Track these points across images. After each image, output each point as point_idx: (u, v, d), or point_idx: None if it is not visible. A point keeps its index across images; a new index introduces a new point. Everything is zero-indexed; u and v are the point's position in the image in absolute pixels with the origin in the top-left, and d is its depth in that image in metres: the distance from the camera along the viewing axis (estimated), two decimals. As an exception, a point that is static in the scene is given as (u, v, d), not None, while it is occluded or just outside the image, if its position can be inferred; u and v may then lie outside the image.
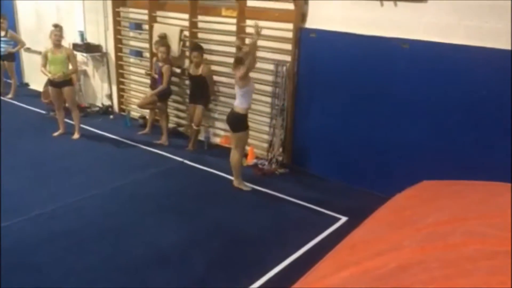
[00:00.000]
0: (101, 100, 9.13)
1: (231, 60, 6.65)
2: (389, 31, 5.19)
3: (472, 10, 4.67)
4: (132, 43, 8.36)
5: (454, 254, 1.63)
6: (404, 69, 5.19)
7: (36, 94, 9.53)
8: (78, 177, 5.91)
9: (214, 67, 6.97)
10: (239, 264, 4.23)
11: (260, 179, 6.05)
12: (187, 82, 7.35)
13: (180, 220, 4.99)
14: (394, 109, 5.35)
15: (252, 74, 5.76)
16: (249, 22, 6.46)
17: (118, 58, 8.52)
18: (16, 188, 5.47)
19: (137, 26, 7.99)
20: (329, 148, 6.03)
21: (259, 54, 6.28)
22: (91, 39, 8.77)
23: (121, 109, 8.83)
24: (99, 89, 9.16)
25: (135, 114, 8.48)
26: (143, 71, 8.05)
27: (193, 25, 7.09)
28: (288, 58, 6.09)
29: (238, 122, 5.49)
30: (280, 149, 6.41)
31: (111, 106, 8.95)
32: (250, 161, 6.53)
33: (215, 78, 6.98)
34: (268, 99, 6.41)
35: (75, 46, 8.63)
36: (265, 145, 6.58)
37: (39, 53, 7.29)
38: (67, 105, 7.45)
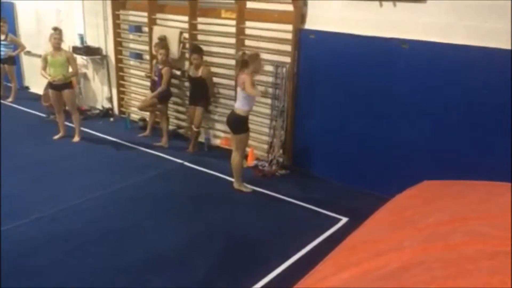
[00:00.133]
0: (101, 102, 9.14)
1: (230, 62, 6.70)
2: (389, 31, 5.19)
3: (472, 10, 4.67)
4: (132, 45, 8.37)
5: (455, 254, 1.62)
6: (403, 69, 5.19)
7: (36, 98, 9.54)
8: (79, 180, 5.91)
9: (213, 69, 6.97)
10: (239, 265, 4.22)
11: (261, 181, 6.05)
12: (187, 84, 7.36)
13: (180, 222, 4.98)
14: (394, 110, 5.35)
15: (251, 75, 5.78)
16: (248, 24, 6.47)
17: (118, 60, 8.53)
18: (16, 191, 5.47)
19: (137, 28, 8.00)
20: (330, 149, 6.03)
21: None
22: (91, 42, 8.78)
23: (121, 112, 8.83)
24: (99, 92, 9.17)
25: (135, 116, 8.49)
26: (143, 74, 8.06)
27: (193, 27, 7.09)
28: (287, 59, 6.09)
29: (239, 124, 5.48)
30: (281, 151, 6.41)
31: (111, 109, 8.96)
32: (251, 162, 6.53)
33: (215, 79, 6.99)
34: (268, 101, 6.41)
35: (75, 49, 8.65)
36: (266, 146, 6.58)
37: (39, 56, 7.30)
38: (67, 108, 7.45)
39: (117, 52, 8.47)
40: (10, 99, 9.69)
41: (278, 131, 6.37)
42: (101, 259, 4.26)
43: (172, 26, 7.40)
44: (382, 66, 5.33)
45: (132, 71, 8.52)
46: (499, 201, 2.21)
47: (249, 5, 6.41)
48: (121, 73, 8.63)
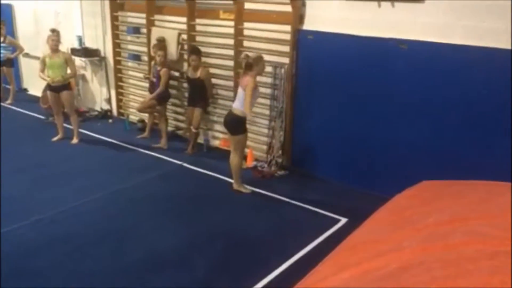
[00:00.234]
0: (100, 104, 9.14)
1: (229, 63, 6.71)
2: (387, 31, 5.20)
3: (469, 9, 4.68)
4: (131, 47, 8.37)
5: (454, 255, 1.62)
6: (402, 69, 5.20)
7: (35, 100, 9.54)
8: (78, 182, 5.91)
9: (212, 70, 6.97)
10: (239, 266, 4.22)
11: (260, 181, 6.05)
12: (185, 85, 7.36)
13: (180, 223, 4.98)
14: (393, 110, 5.35)
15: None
16: (246, 24, 6.48)
17: (117, 62, 8.52)
18: (16, 193, 5.46)
19: (135, 30, 8.00)
20: (329, 149, 6.03)
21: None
22: (89, 43, 8.78)
23: (120, 113, 8.83)
24: (98, 94, 9.17)
25: (134, 118, 8.49)
26: (141, 75, 8.05)
27: (191, 28, 7.10)
28: (286, 60, 6.09)
29: (237, 125, 5.48)
30: (280, 151, 6.41)
31: (110, 110, 8.95)
32: (250, 163, 6.53)
33: (214, 81, 6.99)
34: (267, 101, 6.41)
35: (74, 51, 8.65)
36: (264, 147, 6.58)
37: (38, 58, 7.31)
38: (65, 110, 7.45)
39: (116, 53, 8.47)
40: (8, 101, 9.68)
41: (277, 132, 6.37)
42: (101, 260, 4.25)
43: (170, 28, 7.40)
44: (381, 66, 5.34)
45: (130, 72, 8.52)
46: (498, 201, 2.21)
47: (248, 6, 6.41)
48: (119, 75, 8.63)
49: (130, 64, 8.47)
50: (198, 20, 7.06)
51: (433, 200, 2.48)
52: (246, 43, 6.57)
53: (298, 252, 4.40)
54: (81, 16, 8.74)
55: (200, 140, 7.29)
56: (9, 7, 10.41)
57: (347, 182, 5.87)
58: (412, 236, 1.89)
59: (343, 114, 5.79)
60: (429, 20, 4.94)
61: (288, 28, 5.96)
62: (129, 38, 8.30)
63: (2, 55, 9.40)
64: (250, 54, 5.59)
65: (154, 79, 7.14)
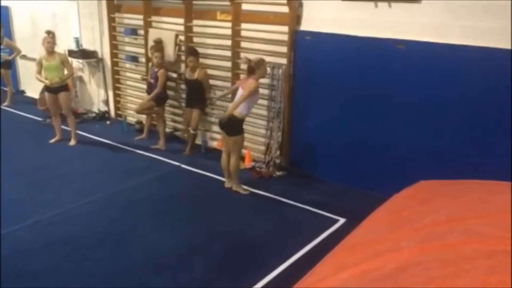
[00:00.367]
0: (97, 106, 9.13)
1: (227, 64, 6.71)
2: (384, 32, 5.21)
3: (466, 9, 4.69)
4: (128, 48, 8.36)
5: (452, 254, 1.63)
6: (400, 69, 5.20)
7: (32, 101, 9.53)
8: (76, 183, 5.90)
9: (210, 71, 6.97)
10: (238, 266, 4.22)
11: (258, 182, 6.05)
12: (183, 86, 7.36)
13: (178, 225, 4.98)
14: (391, 110, 5.36)
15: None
16: (244, 25, 6.48)
17: (114, 63, 8.52)
18: (13, 196, 5.45)
19: (133, 31, 8.00)
20: (326, 149, 6.03)
21: (255, 57, 6.28)
22: (86, 45, 8.77)
23: (117, 115, 8.82)
24: (95, 95, 9.16)
25: (131, 119, 8.48)
26: (139, 76, 8.04)
27: (188, 29, 7.10)
28: (283, 60, 6.09)
29: (234, 126, 5.48)
30: (278, 152, 6.41)
31: (108, 112, 8.94)
32: (248, 164, 6.54)
33: (211, 82, 6.98)
34: (265, 102, 6.42)
35: (71, 53, 8.64)
36: (262, 148, 6.58)
37: (35, 60, 7.30)
38: (62, 111, 7.44)
39: (113, 55, 8.46)
40: (6, 103, 9.68)
41: (275, 132, 6.37)
42: (100, 262, 4.25)
43: (167, 29, 7.40)
44: (378, 67, 5.35)
45: (128, 74, 8.52)
46: (496, 200, 2.22)
47: (245, 7, 6.41)
48: (117, 76, 8.62)
49: (127, 65, 8.47)
50: (195, 21, 7.06)
51: (430, 199, 2.48)
52: (243, 44, 6.57)
53: (297, 252, 4.41)
54: (78, 17, 8.73)
55: (198, 141, 7.29)
56: (6, 9, 10.40)
57: (346, 182, 5.87)
58: (410, 236, 1.89)
59: (341, 114, 5.80)
60: (426, 20, 4.95)
61: (285, 29, 5.96)
62: (126, 39, 8.30)
63: (-1, 57, 9.40)
64: (251, 57, 5.61)
65: (152, 81, 7.14)
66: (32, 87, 9.91)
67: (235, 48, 6.53)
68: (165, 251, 4.44)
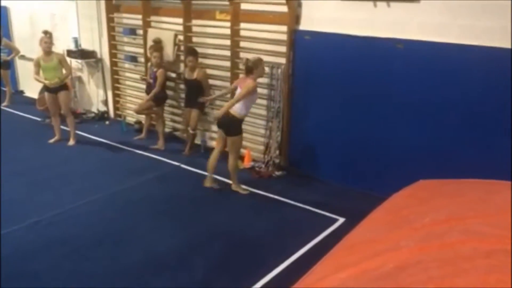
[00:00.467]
0: (96, 106, 9.13)
1: (226, 63, 6.70)
2: (383, 31, 5.21)
3: (465, 9, 4.69)
4: (127, 48, 8.36)
5: (451, 253, 1.63)
6: (399, 69, 5.20)
7: (31, 102, 9.52)
8: (75, 184, 5.90)
9: (209, 71, 6.97)
10: (238, 266, 4.22)
11: (257, 182, 6.05)
12: (182, 86, 7.35)
13: (178, 224, 4.98)
14: (390, 109, 5.36)
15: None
16: (243, 25, 6.48)
17: (113, 63, 8.51)
18: (13, 196, 5.45)
19: (131, 31, 7.99)
20: (326, 149, 6.04)
21: (254, 56, 6.28)
22: (85, 45, 8.77)
23: (117, 115, 8.82)
24: (95, 95, 9.15)
25: (131, 119, 8.48)
26: (138, 76, 8.04)
27: (187, 29, 7.09)
28: (283, 60, 6.09)
29: (233, 126, 5.47)
30: (277, 152, 6.42)
31: (107, 112, 8.94)
32: (247, 164, 6.54)
33: (210, 81, 6.98)
34: (264, 102, 6.42)
35: (70, 53, 8.64)
36: (262, 147, 6.58)
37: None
38: (62, 111, 7.45)
39: (112, 55, 8.45)
40: (5, 103, 9.68)
41: (274, 132, 6.37)
42: (99, 262, 4.25)
43: (166, 29, 7.40)
44: (378, 66, 5.35)
45: (127, 74, 8.51)
46: (495, 199, 2.22)
47: (244, 6, 6.41)
48: (116, 76, 8.62)
49: (126, 65, 8.46)
50: (194, 21, 7.06)
51: (430, 199, 2.48)
52: (242, 44, 6.57)
53: (296, 252, 4.41)
54: (77, 18, 8.73)
55: (198, 141, 7.29)
56: (5, 9, 10.39)
57: (345, 182, 5.88)
58: (409, 236, 1.89)
59: (340, 114, 5.80)
60: (425, 19, 4.95)
61: (284, 28, 5.96)
62: (125, 39, 8.30)
63: (-2, 57, 9.39)
64: (249, 57, 5.59)
65: (151, 81, 7.14)
66: (31, 87, 9.90)
67: (234, 47, 6.53)
68: (165, 251, 4.44)
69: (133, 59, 8.19)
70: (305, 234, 4.74)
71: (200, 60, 6.88)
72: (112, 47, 8.41)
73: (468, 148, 4.90)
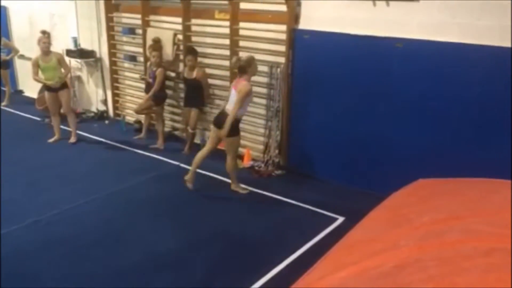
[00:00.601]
0: (96, 105, 9.12)
1: (225, 63, 6.70)
2: (383, 30, 5.21)
3: (464, 8, 4.69)
4: (126, 48, 8.35)
5: (451, 252, 1.63)
6: (398, 68, 5.20)
7: (30, 101, 9.51)
8: (74, 183, 5.89)
9: (208, 70, 6.97)
10: (237, 266, 4.22)
11: (257, 181, 6.05)
12: (181, 85, 7.35)
13: (178, 224, 4.98)
14: (389, 108, 5.36)
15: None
16: (242, 24, 6.47)
17: (112, 63, 8.50)
18: (11, 196, 5.45)
19: (131, 30, 7.99)
20: (325, 148, 6.03)
21: (253, 56, 6.27)
22: (84, 44, 8.76)
23: (116, 114, 8.81)
24: (94, 95, 9.15)
25: (130, 118, 8.47)
26: (137, 76, 8.04)
27: (187, 28, 7.09)
28: (282, 59, 6.09)
29: (230, 127, 5.45)
30: (276, 151, 6.42)
31: (106, 111, 8.94)
32: (247, 163, 6.53)
33: (210, 81, 6.98)
34: (263, 101, 6.42)
35: (69, 52, 8.63)
36: (261, 147, 6.58)
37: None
38: (62, 110, 7.45)
39: (111, 54, 8.45)
40: (4, 103, 9.67)
41: (274, 132, 6.37)
42: (98, 261, 4.25)
43: (166, 28, 7.39)
44: (377, 65, 5.34)
45: (126, 73, 8.51)
46: (495, 198, 2.22)
47: (243, 6, 6.41)
48: (115, 76, 8.61)
49: (126, 65, 8.45)
50: (193, 21, 7.06)
51: (429, 198, 2.48)
52: (241, 43, 6.56)
53: (295, 251, 4.41)
54: (76, 17, 8.72)
55: (197, 140, 7.29)
56: (4, 9, 10.38)
57: (344, 181, 5.87)
58: (409, 235, 1.89)
59: (340, 113, 5.80)
60: (424, 18, 4.95)
61: (283, 27, 5.96)
62: (124, 39, 8.29)
63: (-3, 57, 9.39)
64: (241, 56, 5.55)
65: (150, 80, 7.13)
66: (30, 87, 9.89)
67: (234, 47, 6.52)
68: (165, 250, 4.43)
69: (132, 58, 8.19)
70: (304, 233, 4.74)
71: (200, 59, 6.87)
72: (112, 46, 8.40)
73: (468, 147, 4.90)
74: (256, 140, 6.67)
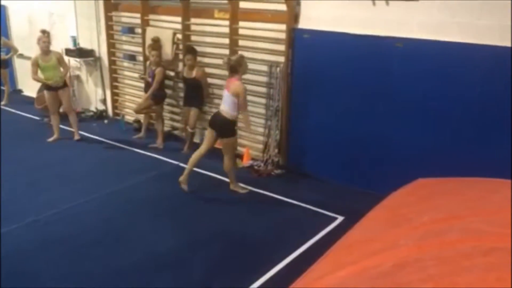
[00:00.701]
0: (95, 105, 9.11)
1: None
2: (383, 30, 5.20)
3: (464, 7, 4.69)
4: (126, 47, 8.35)
5: (450, 252, 1.62)
6: (398, 67, 5.20)
7: (29, 101, 9.50)
8: (74, 183, 5.89)
9: (207, 69, 6.97)
10: (237, 265, 4.22)
11: (256, 181, 6.05)
12: (181, 85, 7.35)
13: (177, 224, 4.98)
14: (389, 108, 5.36)
15: (246, 76, 5.77)
16: (241, 24, 6.47)
17: (112, 62, 8.50)
18: (11, 195, 5.44)
19: (130, 30, 7.98)
20: (325, 147, 6.03)
21: (253, 55, 6.29)
22: (83, 44, 8.75)
23: (115, 114, 8.80)
24: (93, 94, 9.14)
25: (129, 118, 8.47)
26: (136, 75, 8.04)
27: (186, 28, 7.08)
28: (281, 59, 6.09)
29: (226, 127, 5.44)
30: (276, 150, 6.41)
31: (105, 111, 8.93)
32: (246, 162, 6.53)
33: (209, 80, 6.98)
34: (263, 100, 6.41)
35: (68, 51, 8.63)
36: (261, 146, 6.57)
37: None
38: (62, 109, 7.45)
39: (110, 53, 8.44)
40: (3, 102, 9.66)
41: (273, 131, 6.37)
42: (98, 261, 4.24)
43: (165, 27, 7.39)
44: (377, 65, 5.34)
45: (125, 72, 8.50)
46: (494, 197, 2.21)
47: (242, 5, 6.40)
48: (114, 75, 8.60)
49: (125, 64, 8.45)
50: (193, 20, 7.05)
51: (429, 197, 2.48)
52: (241, 42, 6.56)
53: (295, 251, 4.41)
54: (76, 16, 8.71)
55: (197, 139, 7.28)
56: (3, 8, 10.37)
57: (344, 181, 5.87)
58: (408, 234, 1.89)
59: (339, 112, 5.79)
60: (424, 18, 4.95)
61: (283, 27, 5.95)
62: (124, 38, 8.29)
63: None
64: (231, 56, 5.52)
65: (150, 79, 7.13)
66: (29, 86, 9.87)
67: (233, 46, 6.51)
68: (163, 251, 4.43)
69: (131, 57, 8.18)
70: (304, 232, 4.74)
71: (199, 58, 6.87)
72: (111, 45, 8.39)
73: (468, 146, 4.90)
74: (255, 140, 6.67)
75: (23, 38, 9.99)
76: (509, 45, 4.44)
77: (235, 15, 6.45)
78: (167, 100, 7.57)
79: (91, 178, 6.06)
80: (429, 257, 1.61)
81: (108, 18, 8.20)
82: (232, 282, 3.97)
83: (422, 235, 1.85)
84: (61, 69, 7.20)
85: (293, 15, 5.88)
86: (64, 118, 7.54)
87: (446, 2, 4.78)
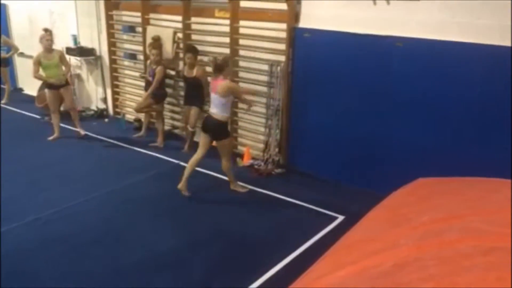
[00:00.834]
0: (95, 103, 9.12)
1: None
2: (383, 29, 5.20)
3: (464, 7, 4.69)
4: (126, 46, 8.35)
5: (450, 251, 1.62)
6: (398, 67, 5.20)
7: (30, 99, 9.51)
8: (74, 182, 5.89)
9: (208, 68, 6.94)
10: (237, 265, 4.22)
11: (257, 180, 6.05)
12: (181, 84, 7.34)
13: (177, 223, 4.98)
14: (389, 107, 5.36)
15: (246, 75, 5.78)
16: (242, 23, 6.46)
17: (112, 61, 8.50)
18: (11, 194, 5.44)
19: (131, 28, 7.98)
20: (325, 147, 6.03)
21: (254, 54, 6.29)
22: (84, 42, 8.75)
23: (116, 112, 8.81)
24: (94, 93, 9.14)
25: (130, 117, 8.47)
26: (137, 74, 8.04)
27: (187, 26, 7.08)
28: (282, 58, 6.08)
29: (220, 130, 5.41)
30: (276, 149, 6.41)
31: (106, 110, 8.93)
32: (246, 162, 6.53)
33: (210, 79, 6.95)
34: (263, 100, 6.41)
35: (69, 50, 8.63)
36: (261, 145, 6.57)
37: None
38: (63, 107, 7.46)
39: (111, 52, 8.44)
40: (3, 101, 9.66)
41: (274, 130, 6.37)
42: (98, 260, 4.25)
43: (166, 26, 7.38)
44: (377, 64, 5.34)
45: (126, 71, 8.50)
46: (495, 197, 2.21)
47: (243, 4, 6.40)
48: (115, 74, 8.60)
49: (126, 63, 8.45)
50: (193, 19, 7.05)
51: (429, 197, 2.47)
52: (241, 41, 6.56)
53: (295, 250, 4.41)
54: (76, 15, 8.71)
55: (197, 138, 7.27)
56: (4, 6, 10.37)
57: (344, 180, 5.87)
58: (408, 234, 1.88)
59: (340, 112, 5.79)
60: (424, 17, 4.94)
61: (284, 26, 5.95)
62: (124, 37, 8.29)
63: (-3, 55, 9.38)
64: (217, 56, 5.47)
65: (150, 78, 7.13)
66: (30, 84, 9.88)
67: (234, 45, 6.51)
68: (164, 250, 4.43)
69: (132, 56, 8.18)
70: (304, 232, 4.74)
71: (200, 57, 6.86)
72: (111, 44, 8.39)
73: (468, 146, 4.89)
74: (256, 139, 6.67)
75: (24, 36, 10.00)
76: (509, 45, 4.44)
77: (236, 14, 6.44)
78: (168, 99, 7.57)
79: (91, 177, 6.06)
80: (429, 256, 1.61)
81: (109, 17, 8.20)
82: (232, 282, 3.97)
83: (422, 234, 1.85)
84: (63, 67, 7.21)
85: (293, 14, 5.87)
86: (64, 117, 7.54)
87: (446, 2, 4.78)
